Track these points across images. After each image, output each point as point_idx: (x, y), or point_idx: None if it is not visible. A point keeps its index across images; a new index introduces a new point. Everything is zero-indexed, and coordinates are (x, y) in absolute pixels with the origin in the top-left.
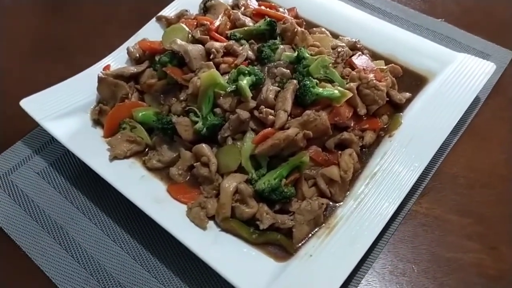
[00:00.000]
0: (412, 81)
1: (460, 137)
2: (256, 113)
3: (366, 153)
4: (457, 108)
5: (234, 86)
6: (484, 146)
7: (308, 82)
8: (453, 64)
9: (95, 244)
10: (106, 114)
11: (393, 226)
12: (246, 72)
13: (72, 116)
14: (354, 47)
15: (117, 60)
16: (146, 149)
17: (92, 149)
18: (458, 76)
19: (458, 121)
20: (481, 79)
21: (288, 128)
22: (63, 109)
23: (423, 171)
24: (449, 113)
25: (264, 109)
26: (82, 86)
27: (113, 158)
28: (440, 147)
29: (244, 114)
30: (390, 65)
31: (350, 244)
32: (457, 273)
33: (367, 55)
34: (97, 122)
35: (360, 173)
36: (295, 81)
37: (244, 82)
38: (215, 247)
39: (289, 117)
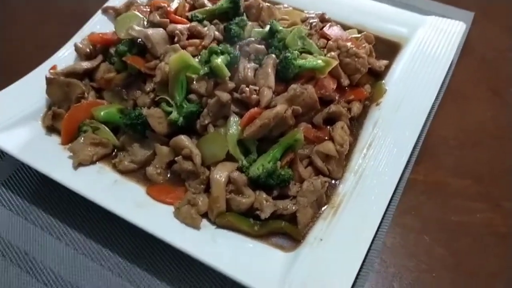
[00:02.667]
0: (385, 49)
1: (442, 100)
2: (237, 94)
3: (355, 125)
4: (438, 69)
5: (207, 67)
6: (467, 107)
7: (289, 54)
8: (423, 27)
9: (70, 266)
10: (62, 118)
11: (395, 198)
12: (219, 51)
13: (20, 126)
14: (323, 19)
15: (62, 60)
16: (114, 151)
17: (51, 159)
18: (431, 38)
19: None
20: (454, 38)
21: (274, 106)
22: (8, 120)
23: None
24: (432, 75)
25: (246, 88)
26: (27, 92)
27: (78, 165)
28: None
29: (224, 96)
30: (363, 33)
31: (361, 221)
32: (468, 236)
33: (338, 26)
34: (51, 129)
35: (354, 146)
36: (273, 56)
37: (219, 61)
38: (215, 247)
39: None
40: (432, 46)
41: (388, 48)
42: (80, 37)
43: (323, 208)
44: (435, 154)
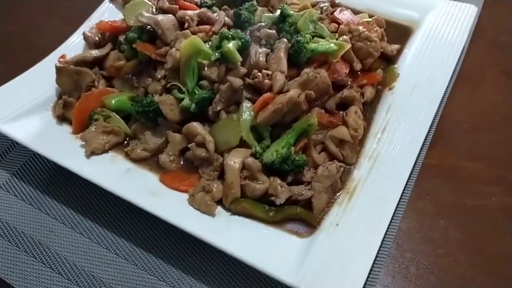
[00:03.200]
0: (396, 33)
1: (454, 84)
2: (248, 79)
3: (368, 109)
4: (451, 54)
5: (219, 52)
6: (479, 90)
7: (301, 38)
8: (434, 11)
9: (85, 255)
10: (72, 107)
11: (410, 183)
12: (230, 36)
13: (31, 116)
14: (333, 4)
15: (71, 49)
16: (126, 139)
17: (63, 148)
18: (443, 22)
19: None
20: (466, 22)
21: (287, 91)
22: (18, 110)
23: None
24: (444, 59)
25: (258, 73)
26: (37, 82)
27: (90, 153)
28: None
29: (237, 81)
30: (374, 17)
31: (377, 206)
32: (485, 220)
33: (349, 10)
34: (62, 118)
35: (368, 131)
36: (285, 40)
37: (231, 45)
38: (231, 233)
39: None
40: (444, 30)
41: (399, 32)
42: (88, 26)
43: (338, 194)
44: (448, 138)
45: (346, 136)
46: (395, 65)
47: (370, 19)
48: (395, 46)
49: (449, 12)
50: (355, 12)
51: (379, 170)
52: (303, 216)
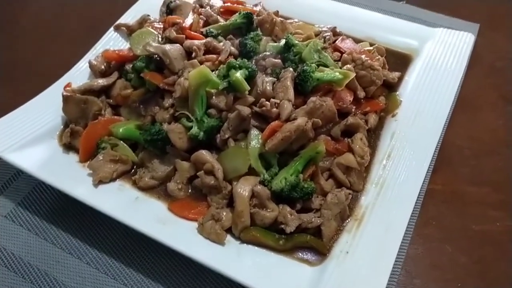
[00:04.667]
0: (396, 61)
1: (453, 110)
2: (256, 108)
3: (372, 136)
4: (451, 81)
5: (226, 81)
6: (478, 115)
7: (307, 67)
8: (432, 39)
9: (92, 285)
10: (79, 135)
11: (416, 208)
12: (237, 65)
13: (37, 144)
14: (335, 33)
15: (76, 77)
16: (134, 168)
17: (70, 176)
18: (441, 50)
19: None
20: (464, 50)
21: (295, 119)
22: (25, 138)
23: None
24: (445, 86)
25: (266, 102)
26: (43, 110)
27: (98, 182)
28: None
29: (245, 110)
30: (375, 45)
31: (385, 232)
32: (490, 244)
33: (350, 39)
34: (68, 147)
35: (373, 157)
36: (291, 69)
37: (238, 75)
38: (241, 262)
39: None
40: (443, 58)
41: (398, 60)
42: (93, 54)
43: (347, 221)
44: (451, 163)
45: (353, 163)
46: (397, 92)
47: (371, 48)
48: (396, 74)
49: (447, 41)
50: (356, 40)
51: (386, 197)
52: (313, 244)
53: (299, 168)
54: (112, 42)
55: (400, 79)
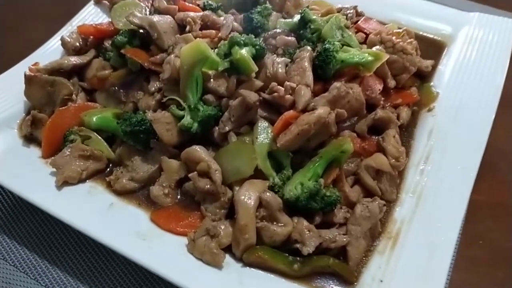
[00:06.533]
0: (427, 48)
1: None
2: (264, 94)
3: (405, 134)
4: (496, 73)
5: (228, 61)
6: None
7: (330, 45)
8: (469, 25)
9: None
10: (43, 124)
11: None
12: (242, 42)
13: None
14: (357, 13)
15: (45, 57)
16: (109, 166)
17: (28, 176)
18: (480, 37)
19: None
20: (507, 38)
21: (313, 109)
22: None
23: None
24: (489, 79)
25: (278, 87)
26: (1, 94)
27: (63, 183)
28: None
29: (251, 96)
30: (404, 28)
31: (428, 256)
32: None
33: (374, 20)
34: (29, 139)
35: (407, 160)
36: (309, 48)
37: (244, 52)
38: None
39: None
40: (483, 46)
41: (430, 47)
42: (68, 30)
43: (378, 239)
44: (496, 171)
45: (385, 166)
46: (431, 83)
47: (400, 30)
48: (429, 62)
49: (485, 27)
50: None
51: (426, 209)
52: (337, 270)
53: (319, 171)
54: (91, 18)
55: (433, 68)
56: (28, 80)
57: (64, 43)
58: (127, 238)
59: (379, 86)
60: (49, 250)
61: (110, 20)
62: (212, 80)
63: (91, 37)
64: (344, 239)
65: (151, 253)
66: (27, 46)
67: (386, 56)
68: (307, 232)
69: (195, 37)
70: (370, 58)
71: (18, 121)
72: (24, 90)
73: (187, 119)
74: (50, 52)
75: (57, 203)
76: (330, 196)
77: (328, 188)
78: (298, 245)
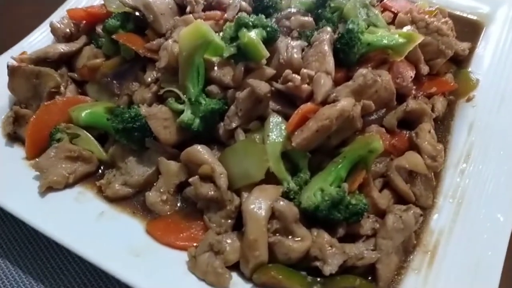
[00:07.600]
0: (462, 29)
1: None
2: (277, 84)
3: (440, 128)
4: None
5: (235, 46)
6: None
7: (353, 26)
8: (509, 3)
9: None
10: (27, 122)
11: None
12: (250, 23)
13: None
14: None
15: (34, 46)
16: (101, 169)
17: (8, 181)
18: None
19: None
20: None
21: (335, 101)
22: None
23: None
24: None
25: (293, 75)
26: None
27: (47, 189)
28: None
29: (262, 86)
30: (436, 6)
31: (474, 274)
32: None
33: None
34: (12, 138)
35: (445, 158)
36: (329, 29)
37: (253, 35)
38: None
39: None
40: None
41: (465, 28)
42: (59, 16)
43: (412, 254)
44: None
45: (420, 167)
46: (469, 69)
47: (433, 9)
48: (466, 44)
49: None
50: None
51: (468, 217)
52: None
53: (342, 174)
54: (85, 1)
55: (470, 52)
56: (12, 71)
57: (53, 29)
58: (118, 255)
59: (410, 73)
60: (24, 258)
61: (102, 3)
62: (216, 68)
63: (83, 22)
64: (373, 256)
65: (146, 272)
66: (14, 34)
67: (420, 38)
68: (329, 248)
69: (197, 19)
70: (401, 40)
71: (1, 118)
72: (7, 83)
73: (187, 114)
74: (39, 41)
75: (38, 213)
76: (356, 204)
77: (353, 195)
78: (318, 263)
